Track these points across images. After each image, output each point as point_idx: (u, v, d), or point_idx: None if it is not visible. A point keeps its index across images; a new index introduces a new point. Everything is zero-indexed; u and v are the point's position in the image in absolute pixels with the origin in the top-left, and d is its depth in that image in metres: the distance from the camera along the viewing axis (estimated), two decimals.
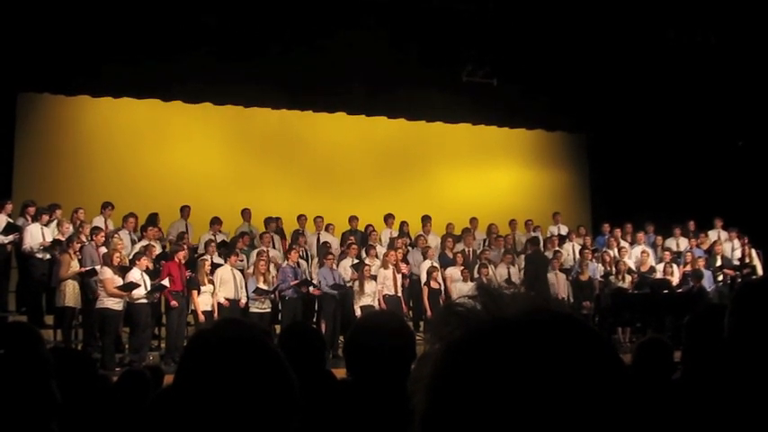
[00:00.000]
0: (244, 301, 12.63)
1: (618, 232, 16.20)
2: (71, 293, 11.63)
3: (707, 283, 14.81)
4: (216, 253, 13.27)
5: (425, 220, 15.77)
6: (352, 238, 14.63)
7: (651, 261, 15.27)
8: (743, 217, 15.93)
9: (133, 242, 13.32)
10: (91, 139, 15.75)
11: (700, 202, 16.36)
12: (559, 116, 17.38)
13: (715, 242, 16.00)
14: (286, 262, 13.42)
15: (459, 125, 17.71)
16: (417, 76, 15.29)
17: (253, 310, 12.58)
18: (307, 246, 14.47)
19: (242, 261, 13.45)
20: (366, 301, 12.99)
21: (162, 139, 16.18)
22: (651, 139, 17.32)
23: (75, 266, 11.77)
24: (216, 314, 12.10)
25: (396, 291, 13.44)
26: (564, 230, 16.57)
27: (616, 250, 15.45)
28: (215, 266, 12.73)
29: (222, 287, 12.47)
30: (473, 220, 16.14)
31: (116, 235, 12.76)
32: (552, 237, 15.92)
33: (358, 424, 2.33)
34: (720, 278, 15.26)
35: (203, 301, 12.25)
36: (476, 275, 14.07)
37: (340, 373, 3.06)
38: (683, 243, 16.24)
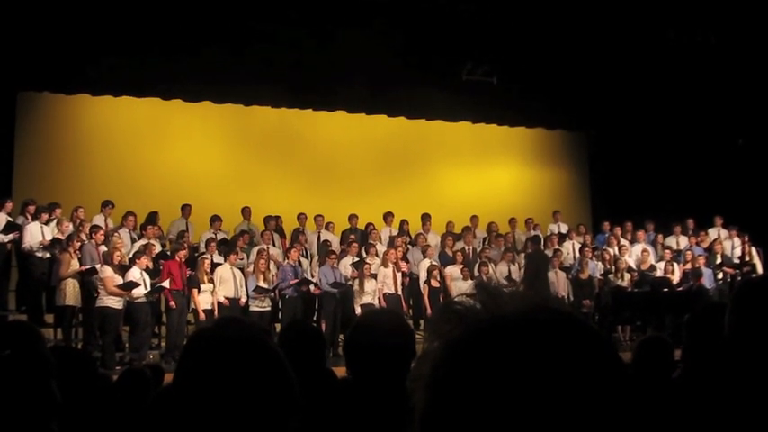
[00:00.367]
0: (244, 299, 12.63)
1: (618, 230, 16.19)
2: (71, 292, 11.64)
3: (707, 281, 14.82)
4: (216, 251, 13.27)
5: (425, 218, 15.76)
6: (352, 236, 14.63)
7: (651, 259, 15.27)
8: (743, 215, 15.93)
9: (133, 240, 13.32)
10: (91, 137, 15.75)
11: (699, 200, 16.35)
12: (559, 115, 17.39)
13: (715, 240, 16.01)
14: (286, 260, 13.43)
15: (459, 124, 17.72)
16: (417, 74, 15.29)
17: (253, 308, 12.59)
18: (307, 244, 14.46)
19: (242, 260, 13.45)
20: (366, 299, 12.99)
21: (162, 137, 16.17)
22: (651, 137, 17.32)
23: (75, 265, 11.76)
24: (216, 313, 12.10)
25: (396, 289, 13.45)
26: (564, 229, 16.56)
27: (616, 248, 15.45)
28: (215, 265, 12.73)
29: (222, 286, 12.47)
30: (473, 219, 16.14)
31: (116, 234, 12.76)
32: (552, 235, 15.92)
33: (358, 422, 2.33)
34: (720, 276, 15.27)
35: (203, 300, 12.25)
36: (476, 274, 14.07)
37: (340, 371, 3.06)
38: (683, 241, 16.24)
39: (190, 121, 16.27)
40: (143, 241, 12.95)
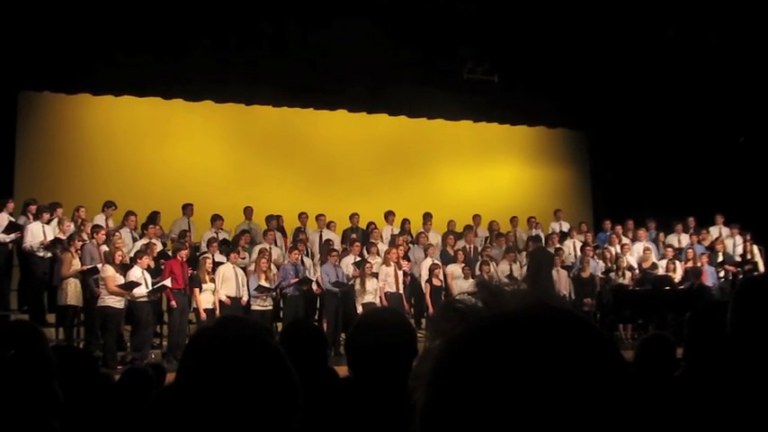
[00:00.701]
0: (245, 298, 12.64)
1: (619, 229, 16.19)
2: (73, 292, 11.64)
3: (710, 279, 14.81)
4: (218, 251, 13.26)
5: (427, 217, 15.75)
6: (353, 235, 14.63)
7: (653, 258, 15.27)
8: (744, 213, 15.92)
9: (134, 240, 13.32)
10: (92, 137, 15.75)
11: (701, 198, 16.35)
12: (561, 113, 17.40)
13: (717, 239, 16.00)
14: (287, 260, 13.43)
15: (461, 122, 17.72)
16: (418, 73, 15.30)
17: (255, 307, 12.59)
18: (309, 243, 14.46)
19: (243, 259, 13.46)
20: (368, 298, 12.99)
21: (163, 137, 16.17)
22: (653, 135, 17.31)
23: (76, 265, 11.77)
24: (218, 312, 12.10)
25: (397, 288, 13.44)
26: (565, 227, 16.57)
27: (618, 247, 15.44)
28: (216, 264, 12.73)
29: (224, 285, 12.47)
30: (475, 218, 16.14)
31: (117, 233, 12.76)
32: (553, 234, 15.92)
33: (359, 422, 2.33)
34: (722, 274, 15.26)
35: (205, 299, 12.25)
36: (477, 272, 14.08)
37: (342, 370, 3.06)
38: (685, 239, 16.23)
39: (191, 121, 16.27)
40: (144, 241, 12.95)
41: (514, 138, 18.78)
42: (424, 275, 13.92)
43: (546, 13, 14.57)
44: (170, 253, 13.07)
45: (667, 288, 14.45)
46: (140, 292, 11.63)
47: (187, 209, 14.48)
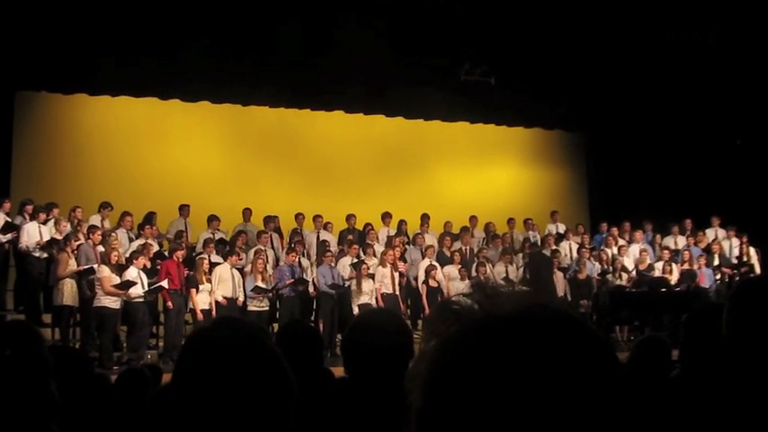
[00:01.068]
0: (241, 299, 12.63)
1: (615, 231, 16.21)
2: (69, 292, 11.63)
3: (707, 281, 14.83)
4: (214, 251, 13.25)
5: (424, 218, 15.75)
6: (350, 236, 14.62)
7: (649, 259, 15.28)
8: (741, 216, 15.93)
9: (131, 240, 13.31)
10: (89, 137, 15.73)
11: (698, 200, 16.37)
12: (557, 115, 17.41)
13: (713, 241, 16.02)
14: (283, 261, 13.43)
15: (457, 124, 17.73)
16: (415, 74, 15.30)
17: (251, 308, 12.58)
18: (306, 245, 14.44)
19: (241, 260, 13.45)
20: (364, 299, 12.98)
21: (160, 137, 16.16)
22: (649, 137, 17.33)
23: (72, 265, 11.76)
24: (214, 312, 12.09)
25: (393, 289, 13.43)
26: (562, 229, 16.57)
27: (615, 248, 15.46)
28: (213, 265, 12.72)
29: (221, 285, 12.46)
30: (471, 219, 16.14)
31: (113, 234, 12.74)
32: (549, 235, 15.93)
33: (356, 422, 2.33)
34: (718, 277, 15.28)
35: (201, 300, 12.24)
36: (473, 274, 14.08)
37: (338, 371, 3.06)
38: (681, 241, 16.25)
39: (188, 121, 16.27)
40: (140, 241, 12.94)
41: (511, 139, 18.79)
42: (421, 277, 13.92)
43: (543, 15, 14.57)
44: (166, 253, 13.06)
45: (663, 290, 14.46)
46: (137, 292, 11.62)
47: (184, 209, 14.47)
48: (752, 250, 15.59)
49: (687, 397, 2.25)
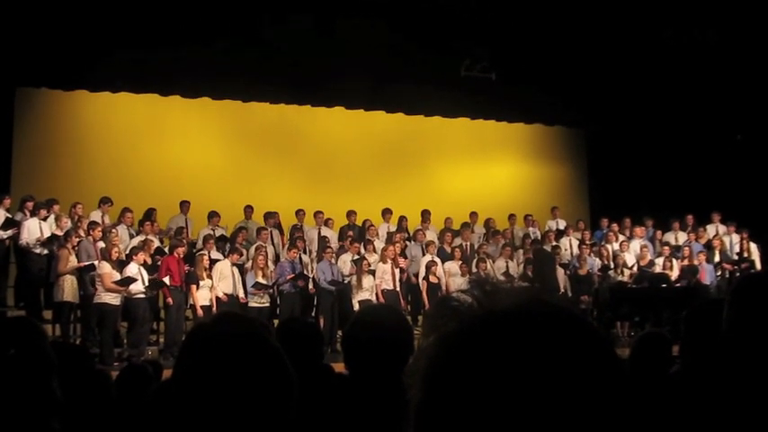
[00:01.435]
0: (241, 296, 12.63)
1: (616, 227, 16.21)
2: (69, 288, 11.63)
3: (708, 277, 14.84)
4: (214, 248, 13.26)
5: (425, 214, 15.76)
6: (350, 232, 14.62)
7: (650, 255, 15.29)
8: (742, 211, 15.92)
9: (131, 236, 13.32)
10: (89, 133, 15.73)
11: (698, 196, 16.36)
12: (558, 111, 17.40)
13: (714, 236, 16.02)
14: (284, 257, 13.43)
15: (458, 120, 17.72)
16: (416, 70, 15.27)
17: (252, 304, 12.57)
18: (306, 240, 14.44)
19: (242, 256, 13.45)
20: (364, 295, 12.99)
21: (160, 133, 16.17)
22: (650, 133, 17.32)
23: (73, 261, 11.76)
24: (214, 309, 12.09)
25: (394, 285, 13.44)
26: (562, 225, 16.59)
27: (616, 244, 15.47)
28: (213, 261, 12.72)
29: (221, 282, 12.46)
30: (472, 215, 16.15)
31: (113, 230, 12.75)
32: (550, 231, 15.93)
33: (356, 418, 2.33)
34: (719, 273, 15.29)
35: (202, 296, 12.25)
36: (474, 270, 14.09)
37: (339, 367, 3.06)
38: (682, 237, 16.25)
39: (188, 118, 16.27)
40: (141, 237, 12.94)
41: (512, 135, 18.79)
42: (422, 273, 13.93)
43: (544, 11, 14.55)
44: (166, 250, 13.06)
45: (664, 286, 14.47)
46: (137, 288, 11.62)
47: (184, 206, 14.47)
48: (753, 246, 15.57)
49: (688, 392, 2.25)
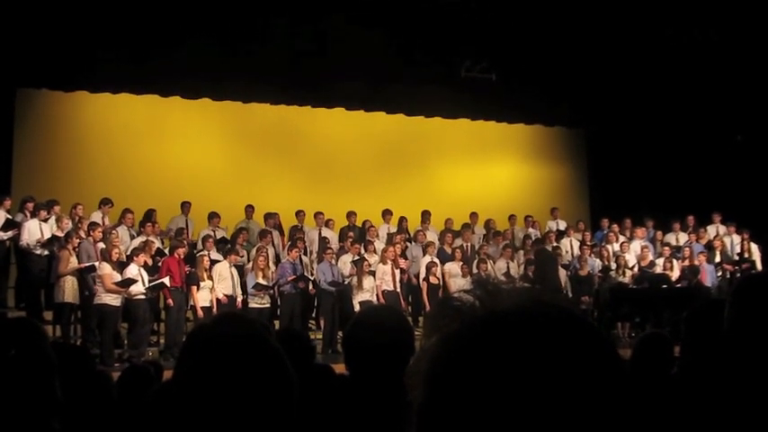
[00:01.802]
0: (241, 297, 12.62)
1: (616, 227, 16.20)
2: (70, 289, 11.63)
3: (709, 278, 14.83)
4: (214, 248, 13.25)
5: (425, 215, 15.76)
6: (350, 233, 14.62)
7: (651, 256, 15.28)
8: (742, 212, 15.92)
9: (131, 237, 13.32)
10: (89, 134, 15.73)
11: (699, 197, 16.35)
12: (558, 111, 17.41)
13: (714, 237, 16.01)
14: (285, 258, 13.43)
15: (458, 120, 17.73)
16: (416, 71, 15.29)
17: (252, 305, 12.57)
18: (307, 241, 14.44)
19: (242, 257, 13.45)
20: (364, 296, 12.99)
21: (161, 134, 16.17)
22: (650, 134, 17.32)
23: (74, 262, 11.76)
24: (215, 310, 12.09)
25: (394, 286, 13.44)
26: (562, 226, 16.59)
27: (617, 245, 15.46)
28: (213, 262, 12.72)
29: (221, 283, 12.46)
30: (472, 216, 16.15)
31: (114, 231, 12.75)
32: (550, 232, 15.93)
33: (357, 419, 2.33)
34: (719, 273, 15.28)
35: (202, 297, 12.25)
36: (474, 270, 14.08)
37: (339, 368, 3.06)
38: (683, 238, 16.24)
39: (188, 119, 16.27)
40: (141, 238, 12.94)
41: (512, 136, 18.79)
42: (422, 273, 13.93)
43: (544, 12, 14.55)
44: (167, 251, 13.06)
45: (665, 286, 14.46)
46: (137, 289, 11.63)
47: (185, 207, 14.47)
48: (753, 246, 15.57)
49: (688, 393, 2.25)
